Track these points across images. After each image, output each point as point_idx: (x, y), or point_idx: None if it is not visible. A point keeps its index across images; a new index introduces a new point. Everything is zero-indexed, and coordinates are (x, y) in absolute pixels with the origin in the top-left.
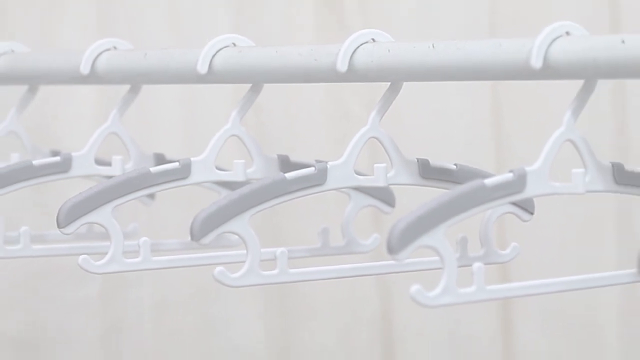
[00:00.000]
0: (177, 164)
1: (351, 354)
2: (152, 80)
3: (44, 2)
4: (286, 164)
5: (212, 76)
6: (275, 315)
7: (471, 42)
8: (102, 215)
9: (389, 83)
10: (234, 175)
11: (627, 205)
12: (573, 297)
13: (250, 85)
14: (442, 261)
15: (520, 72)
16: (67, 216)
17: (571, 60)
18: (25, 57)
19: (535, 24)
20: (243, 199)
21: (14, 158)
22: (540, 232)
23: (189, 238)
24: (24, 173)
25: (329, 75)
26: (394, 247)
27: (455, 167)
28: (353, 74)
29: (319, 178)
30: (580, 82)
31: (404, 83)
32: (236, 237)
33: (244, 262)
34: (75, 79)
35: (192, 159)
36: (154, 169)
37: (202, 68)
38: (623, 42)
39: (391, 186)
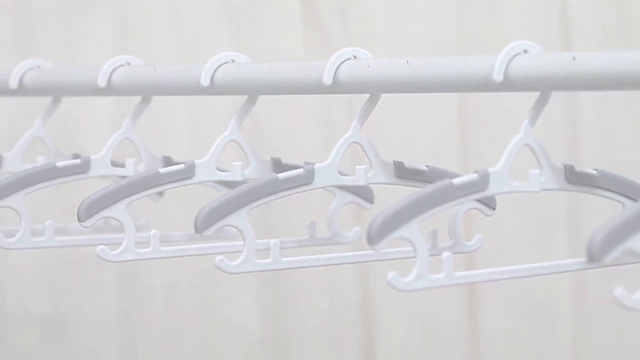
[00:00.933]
0: (183, 165)
1: (334, 332)
2: (161, 92)
3: (67, 24)
4: (278, 165)
5: (214, 88)
6: (268, 298)
7: (441, 58)
8: (117, 211)
9: (369, 95)
10: (233, 175)
11: (577, 204)
12: (533, 284)
13: (247, 96)
14: (415, 251)
15: (484, 85)
16: (87, 211)
17: (528, 74)
18: (50, 72)
19: (496, 43)
20: (241, 197)
21: (40, 161)
22: (501, 226)
23: (194, 230)
24: (48, 173)
25: (316, 88)
26: (373, 238)
27: (427, 168)
28: (337, 87)
29: (307, 178)
30: (536, 94)
31: (382, 95)
32: (235, 229)
33: (241, 252)
34: (94, 91)
35: (196, 161)
36: (163, 170)
37: (205, 81)
38: (574, 58)
39: (370, 185)
